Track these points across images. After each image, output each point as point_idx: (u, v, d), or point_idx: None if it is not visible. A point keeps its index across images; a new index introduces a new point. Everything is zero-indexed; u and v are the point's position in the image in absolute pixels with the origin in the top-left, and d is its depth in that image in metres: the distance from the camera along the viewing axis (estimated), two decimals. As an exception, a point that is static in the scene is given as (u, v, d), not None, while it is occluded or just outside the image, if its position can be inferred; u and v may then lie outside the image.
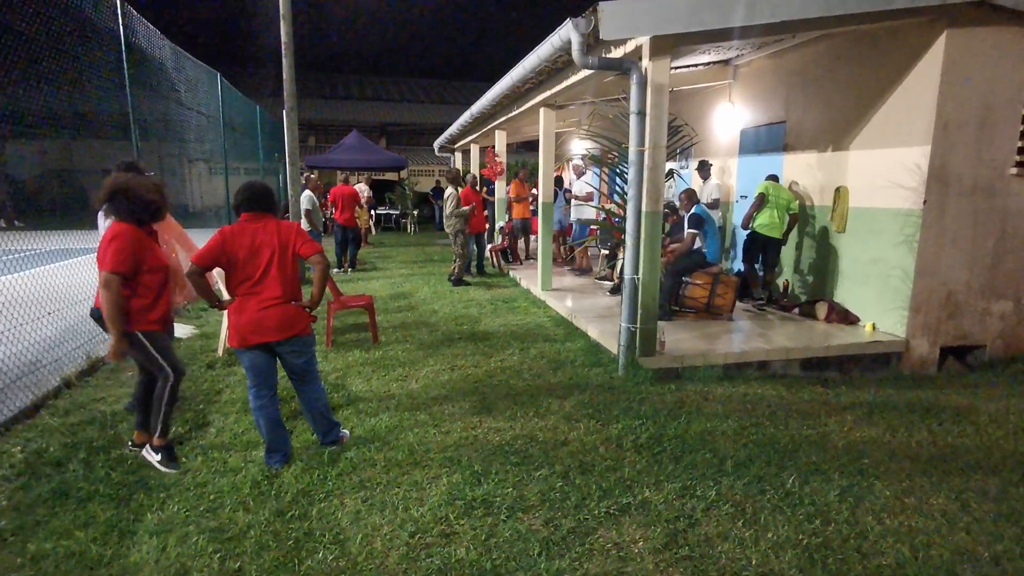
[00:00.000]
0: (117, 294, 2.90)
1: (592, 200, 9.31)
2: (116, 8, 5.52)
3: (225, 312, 5.15)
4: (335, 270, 10.28)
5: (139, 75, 6.11)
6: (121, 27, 5.63)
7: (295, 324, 3.11)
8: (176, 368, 3.19)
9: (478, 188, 9.32)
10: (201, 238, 3.95)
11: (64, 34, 4.59)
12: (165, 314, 3.19)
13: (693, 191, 6.36)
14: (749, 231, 6.45)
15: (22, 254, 4.47)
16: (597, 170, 10.87)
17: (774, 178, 6.47)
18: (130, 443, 3.36)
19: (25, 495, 2.90)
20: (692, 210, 6.03)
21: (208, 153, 9.81)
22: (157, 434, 3.19)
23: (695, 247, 6.02)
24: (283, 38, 8.79)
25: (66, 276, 5.07)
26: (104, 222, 3.74)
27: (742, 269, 6.78)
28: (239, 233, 3.01)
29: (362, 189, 15.10)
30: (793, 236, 6.61)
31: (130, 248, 2.95)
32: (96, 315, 3.06)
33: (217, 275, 5.25)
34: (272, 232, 3.03)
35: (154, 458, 3.18)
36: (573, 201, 9.37)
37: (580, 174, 9.58)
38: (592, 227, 9.27)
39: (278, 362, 3.24)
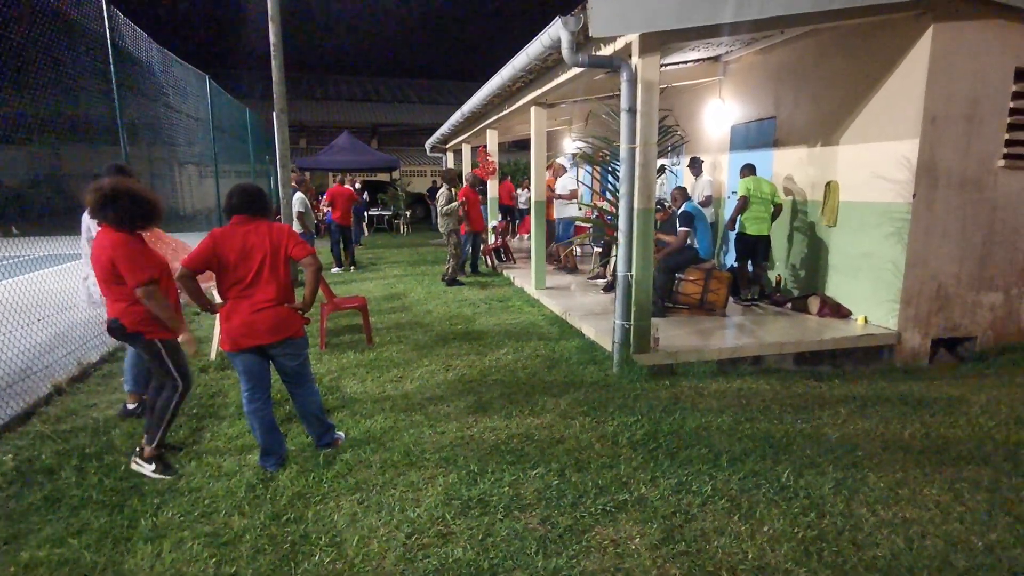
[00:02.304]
0: (160, 297, 2.96)
1: (575, 198, 9.32)
2: (102, 10, 5.47)
3: (217, 315, 5.14)
4: (334, 269, 10.32)
5: (127, 78, 6.07)
6: (107, 30, 5.59)
7: (288, 327, 3.09)
8: (187, 379, 3.18)
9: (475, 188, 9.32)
10: (192, 241, 3.92)
11: (49, 36, 4.54)
12: (178, 311, 3.17)
13: (684, 189, 6.39)
14: (738, 232, 6.49)
15: (11, 261, 4.43)
16: (576, 169, 10.90)
17: (751, 168, 6.43)
18: (137, 448, 3.32)
19: (17, 503, 2.87)
20: (683, 207, 6.05)
21: (198, 156, 9.75)
22: (153, 444, 3.14)
23: (687, 244, 6.04)
24: (272, 39, 8.76)
25: (56, 282, 5.03)
26: (92, 226, 3.70)
27: (735, 265, 6.81)
28: (230, 236, 2.98)
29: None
30: (785, 230, 6.65)
31: (138, 254, 2.95)
32: (113, 327, 3.06)
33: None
34: (264, 234, 3.01)
35: (147, 468, 3.13)
36: (556, 200, 9.36)
37: (561, 174, 9.57)
38: (580, 225, 9.27)
39: (271, 365, 3.23)
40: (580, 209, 9.19)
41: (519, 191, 14.29)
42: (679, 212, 6.04)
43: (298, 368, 3.22)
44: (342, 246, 10.68)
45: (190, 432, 3.70)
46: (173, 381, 3.14)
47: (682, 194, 6.25)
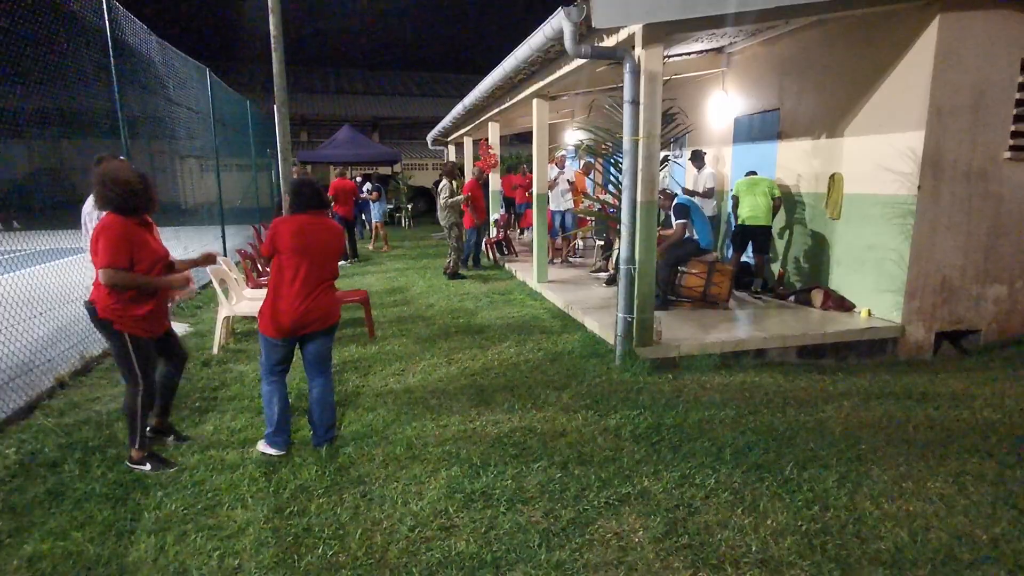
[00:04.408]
0: (129, 277, 2.92)
1: (581, 191, 9.32)
2: (101, 3, 5.44)
3: (221, 311, 5.14)
4: (342, 262, 10.32)
5: (126, 71, 6.04)
6: (107, 22, 5.56)
7: (334, 314, 3.29)
8: (148, 380, 3.11)
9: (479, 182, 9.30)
10: (197, 235, 3.91)
11: (48, 29, 4.51)
12: (155, 312, 3.10)
13: (666, 190, 6.38)
14: (737, 225, 6.50)
15: (13, 255, 4.42)
16: (578, 162, 10.87)
17: (752, 172, 6.62)
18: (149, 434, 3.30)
19: (20, 496, 2.88)
20: (676, 201, 6.04)
21: (199, 150, 9.72)
22: (135, 447, 3.11)
23: (687, 236, 6.02)
24: (272, 31, 8.72)
25: (57, 276, 5.02)
26: (90, 218, 3.69)
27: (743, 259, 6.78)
28: (306, 227, 3.11)
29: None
30: (788, 223, 6.63)
31: (121, 239, 2.90)
32: (89, 308, 3.04)
33: (226, 266, 5.22)
34: (327, 231, 3.19)
35: (143, 469, 3.11)
36: (560, 192, 9.34)
37: (561, 166, 9.52)
38: (582, 217, 9.25)
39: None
40: (584, 203, 9.17)
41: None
42: (673, 206, 6.01)
43: (328, 352, 3.37)
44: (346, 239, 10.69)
45: (193, 425, 3.70)
46: (134, 380, 3.06)
47: (667, 196, 6.22)
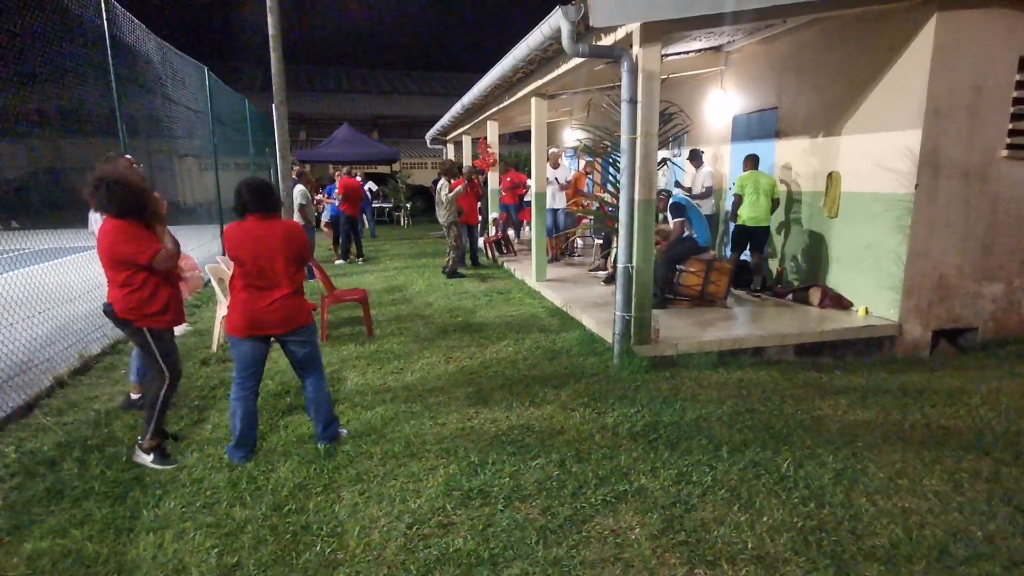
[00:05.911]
0: (166, 251, 3.00)
1: (579, 189, 9.34)
2: (99, 2, 5.44)
3: (220, 309, 5.14)
4: (337, 261, 10.32)
5: (125, 71, 6.04)
6: (105, 22, 5.56)
7: (297, 317, 3.18)
8: (174, 372, 3.19)
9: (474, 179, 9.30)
10: (196, 235, 3.93)
11: (46, 28, 4.52)
12: (171, 308, 3.17)
13: (662, 190, 6.38)
14: (736, 224, 6.50)
15: (12, 254, 4.43)
16: (577, 161, 10.88)
17: (754, 160, 6.42)
18: (139, 439, 3.32)
19: (20, 495, 2.89)
20: (671, 200, 6.05)
21: (198, 149, 9.72)
22: (148, 435, 3.17)
23: (685, 235, 6.03)
24: (271, 30, 8.72)
25: (57, 275, 5.03)
26: (95, 217, 3.71)
27: (740, 258, 6.79)
28: (244, 234, 3.04)
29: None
30: (786, 222, 6.64)
31: (139, 231, 2.97)
32: (107, 311, 3.11)
33: (224, 265, 5.23)
34: (277, 233, 3.08)
35: (146, 459, 3.16)
36: (556, 191, 9.35)
37: (556, 165, 9.52)
38: (579, 216, 9.28)
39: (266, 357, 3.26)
40: (585, 204, 9.18)
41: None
42: (669, 206, 6.02)
43: (309, 355, 3.29)
44: (350, 237, 10.64)
45: (192, 423, 3.71)
46: (160, 373, 3.15)
47: (664, 196, 6.24)
